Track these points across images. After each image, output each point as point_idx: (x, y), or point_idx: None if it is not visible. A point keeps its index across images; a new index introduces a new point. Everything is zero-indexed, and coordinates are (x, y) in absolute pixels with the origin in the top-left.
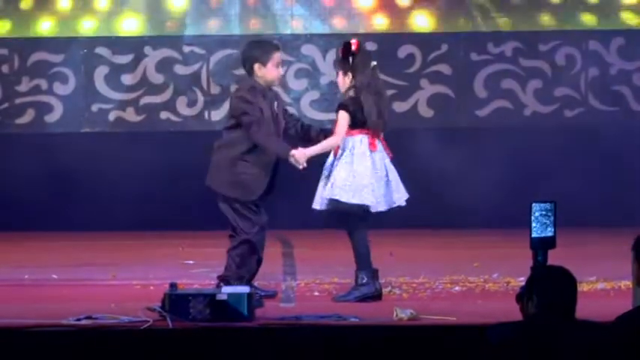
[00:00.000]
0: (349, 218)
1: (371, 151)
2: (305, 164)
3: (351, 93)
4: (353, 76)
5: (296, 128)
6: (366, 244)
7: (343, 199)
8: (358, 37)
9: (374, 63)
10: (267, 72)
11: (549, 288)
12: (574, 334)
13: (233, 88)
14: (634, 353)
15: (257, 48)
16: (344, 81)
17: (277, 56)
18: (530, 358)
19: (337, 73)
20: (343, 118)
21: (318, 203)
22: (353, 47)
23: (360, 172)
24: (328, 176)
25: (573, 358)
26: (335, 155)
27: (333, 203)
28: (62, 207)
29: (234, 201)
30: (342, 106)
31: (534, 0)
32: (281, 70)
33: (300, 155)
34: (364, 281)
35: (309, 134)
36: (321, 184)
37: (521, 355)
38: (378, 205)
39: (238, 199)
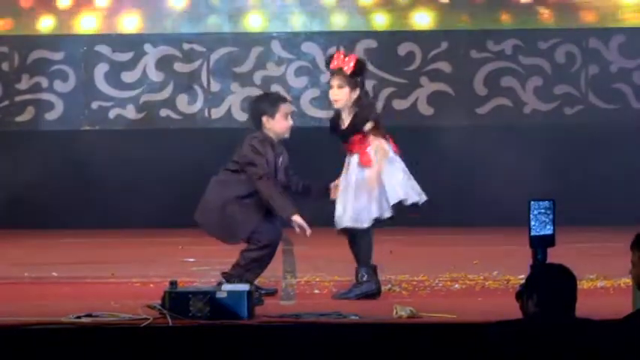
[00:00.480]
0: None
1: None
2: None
3: (355, 108)
4: (359, 94)
5: (297, 187)
6: (371, 242)
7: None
8: (358, 34)
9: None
10: (276, 124)
11: (549, 286)
12: (574, 332)
13: (246, 137)
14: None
15: (264, 101)
16: (349, 96)
17: (285, 107)
18: (530, 357)
19: (339, 87)
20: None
21: (386, 211)
22: (365, 66)
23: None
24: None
25: (573, 357)
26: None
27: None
28: (62, 205)
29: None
30: (367, 120)
31: None
32: (290, 122)
33: (301, 222)
34: (364, 279)
35: (309, 192)
36: (374, 193)
37: (521, 354)
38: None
39: (224, 240)
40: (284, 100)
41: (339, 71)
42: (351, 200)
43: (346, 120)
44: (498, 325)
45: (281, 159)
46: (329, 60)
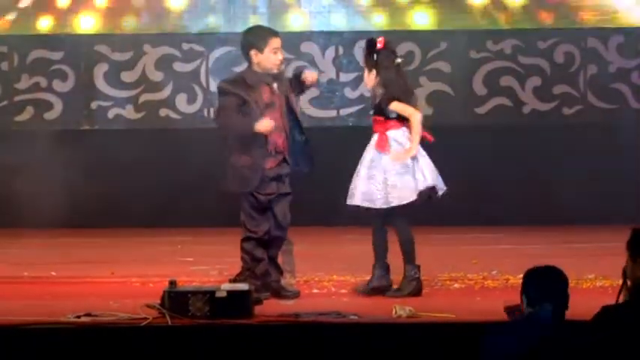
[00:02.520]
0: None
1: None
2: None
3: (380, 90)
4: (377, 73)
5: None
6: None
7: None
8: (357, 34)
9: (399, 60)
10: (264, 58)
11: (538, 288)
12: (562, 337)
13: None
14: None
15: (253, 34)
16: (369, 78)
17: (275, 42)
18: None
19: (364, 70)
20: (403, 106)
21: (415, 192)
22: (378, 45)
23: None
24: (412, 167)
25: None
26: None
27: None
28: (60, 204)
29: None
30: (393, 98)
31: None
32: (280, 56)
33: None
34: (416, 275)
35: (300, 83)
36: (408, 177)
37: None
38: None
39: (237, 191)
40: (274, 33)
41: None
42: (362, 178)
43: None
44: (492, 338)
45: (278, 95)
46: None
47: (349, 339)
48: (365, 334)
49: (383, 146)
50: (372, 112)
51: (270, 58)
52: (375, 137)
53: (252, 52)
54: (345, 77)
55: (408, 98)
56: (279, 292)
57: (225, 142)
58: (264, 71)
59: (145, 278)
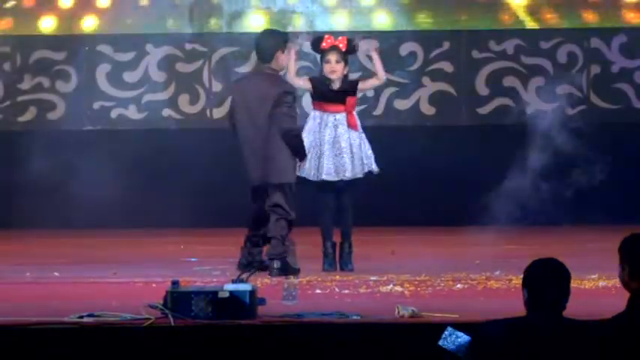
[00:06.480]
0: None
1: None
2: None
3: (343, 80)
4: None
5: None
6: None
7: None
8: (360, 34)
9: None
10: (284, 59)
11: (538, 281)
12: (559, 334)
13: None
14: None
15: (277, 37)
16: (343, 71)
17: (292, 44)
18: (519, 354)
19: (337, 62)
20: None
21: (349, 171)
22: (356, 45)
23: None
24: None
25: (557, 356)
26: (353, 128)
27: (367, 174)
28: (64, 204)
29: None
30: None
31: None
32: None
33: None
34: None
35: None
36: (347, 156)
37: (509, 352)
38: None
39: (292, 181)
40: (291, 36)
41: (333, 49)
42: (331, 156)
43: (337, 85)
44: (489, 324)
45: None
46: (318, 41)
47: (352, 339)
48: (368, 334)
49: (356, 124)
50: (335, 96)
51: (287, 58)
52: (339, 116)
53: (278, 53)
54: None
55: None
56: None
57: (273, 139)
58: (280, 70)
59: (147, 278)
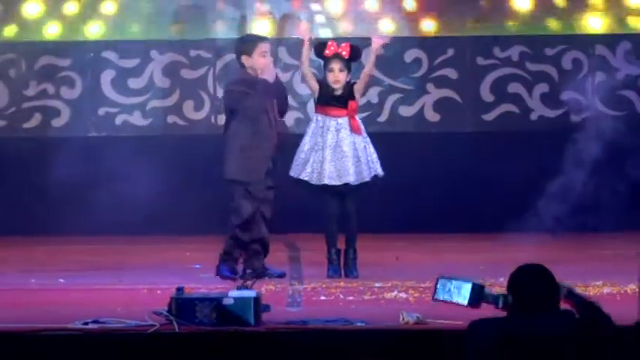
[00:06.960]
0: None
1: None
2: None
3: (346, 87)
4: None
5: None
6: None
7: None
8: (365, 41)
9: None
10: (254, 62)
11: (521, 286)
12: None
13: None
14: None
15: (243, 41)
16: (346, 79)
17: (262, 46)
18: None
19: (340, 70)
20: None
21: (354, 176)
22: (360, 51)
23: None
24: (358, 151)
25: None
26: (356, 132)
27: (374, 179)
28: (69, 211)
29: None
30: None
31: (541, 4)
32: (268, 59)
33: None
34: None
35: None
36: (350, 160)
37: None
38: None
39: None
40: (262, 39)
41: (336, 57)
42: (333, 160)
43: (339, 92)
44: (478, 323)
45: (269, 97)
46: (321, 47)
47: (357, 346)
48: (372, 341)
49: (359, 128)
50: (338, 100)
51: (259, 61)
52: (341, 121)
53: (243, 58)
54: None
55: None
56: None
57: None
58: (256, 74)
59: (152, 285)
